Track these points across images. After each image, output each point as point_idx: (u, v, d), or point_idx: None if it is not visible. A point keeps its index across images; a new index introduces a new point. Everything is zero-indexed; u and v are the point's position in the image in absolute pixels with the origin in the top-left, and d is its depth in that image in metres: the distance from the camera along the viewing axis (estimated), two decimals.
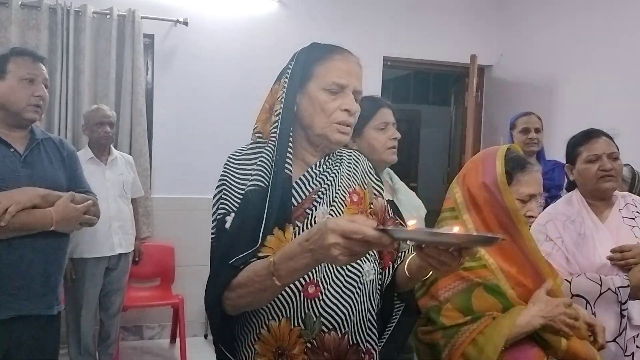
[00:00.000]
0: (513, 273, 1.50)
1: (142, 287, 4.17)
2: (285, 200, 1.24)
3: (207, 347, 4.29)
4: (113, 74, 4.04)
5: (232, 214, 1.25)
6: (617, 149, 2.11)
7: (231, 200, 1.27)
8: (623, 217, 2.04)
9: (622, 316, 1.88)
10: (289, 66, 1.33)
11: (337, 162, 1.37)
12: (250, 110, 4.38)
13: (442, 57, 4.96)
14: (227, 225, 1.24)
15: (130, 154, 3.98)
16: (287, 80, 1.31)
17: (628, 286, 1.87)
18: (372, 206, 1.38)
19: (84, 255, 3.36)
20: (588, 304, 1.87)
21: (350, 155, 1.43)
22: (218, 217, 1.28)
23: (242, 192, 1.26)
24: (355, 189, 1.36)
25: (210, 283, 1.25)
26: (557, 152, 3.45)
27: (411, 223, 1.08)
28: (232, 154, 1.34)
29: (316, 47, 1.35)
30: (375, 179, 1.45)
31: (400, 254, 1.40)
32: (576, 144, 2.13)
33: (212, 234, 1.30)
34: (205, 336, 4.46)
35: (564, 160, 3.21)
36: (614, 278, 1.89)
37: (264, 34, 4.48)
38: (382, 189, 1.45)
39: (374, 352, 1.35)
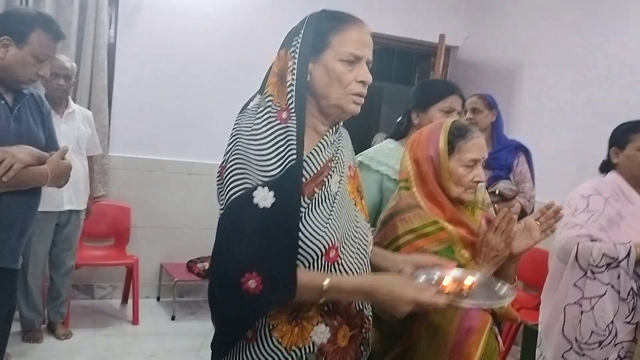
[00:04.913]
0: (464, 234, 1.59)
1: (96, 246, 4.10)
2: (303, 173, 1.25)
3: (159, 309, 4.28)
4: (75, 24, 3.88)
5: (260, 188, 1.18)
6: None
7: (254, 174, 1.20)
8: None
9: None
10: (299, 34, 1.28)
11: (340, 134, 1.38)
12: (217, 73, 4.38)
13: (410, 34, 4.99)
14: (256, 201, 1.17)
15: (89, 109, 3.86)
16: (297, 49, 1.26)
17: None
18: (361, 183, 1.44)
19: None
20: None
21: (344, 131, 1.44)
22: (241, 192, 1.19)
23: (266, 164, 1.20)
24: (351, 164, 1.40)
25: (268, 261, 1.17)
26: (518, 134, 3.58)
27: (447, 281, 1.27)
28: (243, 126, 1.26)
29: (329, 15, 1.30)
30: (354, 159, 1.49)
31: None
32: (629, 130, 2.26)
33: (224, 207, 1.22)
34: (158, 298, 4.44)
35: (523, 141, 3.34)
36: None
37: None
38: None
39: (371, 319, 1.41)
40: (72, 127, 3.46)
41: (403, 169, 1.67)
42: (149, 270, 4.33)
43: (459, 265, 1.55)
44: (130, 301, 4.10)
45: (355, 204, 1.35)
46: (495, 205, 2.03)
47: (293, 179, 1.20)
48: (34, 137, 2.00)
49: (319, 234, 1.24)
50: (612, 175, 2.29)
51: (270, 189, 1.17)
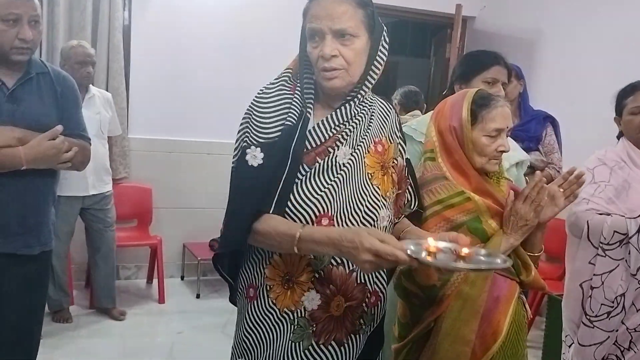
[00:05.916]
0: (490, 204, 1.58)
1: (119, 227, 4.14)
2: (303, 141, 1.29)
3: (184, 287, 4.34)
4: (90, 7, 3.88)
5: (253, 147, 1.28)
6: None
7: (253, 134, 1.29)
8: None
9: None
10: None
11: (368, 108, 1.38)
12: (232, 53, 4.35)
13: (425, 5, 4.91)
14: (247, 158, 1.28)
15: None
16: (300, 39, 1.35)
17: None
18: (395, 162, 1.43)
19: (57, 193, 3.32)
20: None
21: (383, 107, 1.44)
22: (240, 149, 1.31)
23: (264, 126, 1.29)
24: (381, 140, 1.39)
25: (232, 213, 1.32)
26: (537, 104, 3.52)
27: (433, 243, 1.17)
28: (260, 90, 1.35)
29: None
30: (400, 137, 1.48)
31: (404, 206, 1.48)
32: (623, 96, 2.19)
33: (233, 163, 1.34)
34: (182, 277, 4.50)
35: (548, 111, 3.29)
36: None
37: None
38: (404, 148, 1.49)
39: (381, 295, 1.41)
40: (94, 112, 3.45)
41: (428, 140, 1.65)
42: (172, 250, 4.39)
43: (487, 238, 1.55)
44: (155, 281, 4.17)
45: (371, 178, 1.34)
46: (526, 177, 2.00)
47: (284, 144, 1.26)
48: (36, 118, 1.87)
49: (310, 201, 1.26)
50: (621, 143, 2.22)
51: (262, 150, 1.27)
